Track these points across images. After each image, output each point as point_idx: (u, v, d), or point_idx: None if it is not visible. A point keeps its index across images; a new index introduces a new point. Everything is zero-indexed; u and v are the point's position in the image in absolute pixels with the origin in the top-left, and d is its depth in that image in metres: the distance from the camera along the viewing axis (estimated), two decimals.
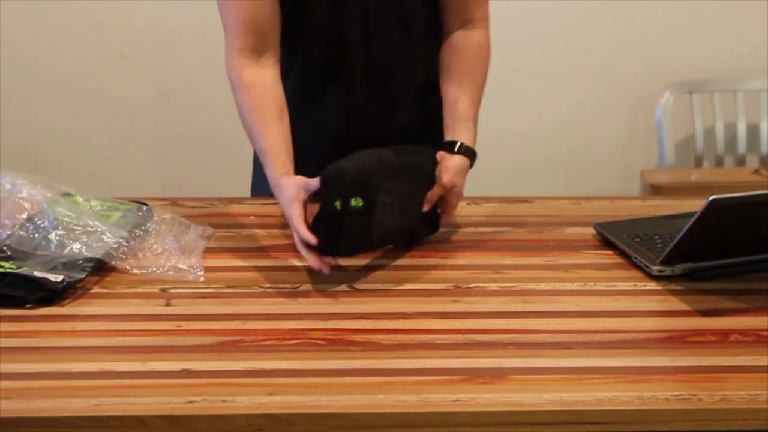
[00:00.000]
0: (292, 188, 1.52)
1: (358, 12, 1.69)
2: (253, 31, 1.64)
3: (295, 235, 1.50)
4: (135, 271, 1.50)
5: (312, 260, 1.48)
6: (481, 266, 1.56)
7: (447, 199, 1.64)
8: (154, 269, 1.51)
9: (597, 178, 3.12)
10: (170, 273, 1.50)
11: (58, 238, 1.52)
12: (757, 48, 2.99)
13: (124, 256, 1.53)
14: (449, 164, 1.63)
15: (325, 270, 1.48)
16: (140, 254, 1.55)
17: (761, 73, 2.98)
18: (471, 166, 1.67)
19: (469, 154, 1.66)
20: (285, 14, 1.68)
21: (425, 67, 1.80)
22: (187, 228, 1.62)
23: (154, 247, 1.56)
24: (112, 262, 1.51)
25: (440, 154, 1.64)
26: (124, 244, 1.54)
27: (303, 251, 1.49)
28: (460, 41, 1.75)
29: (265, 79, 1.65)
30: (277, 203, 1.80)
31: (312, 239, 1.46)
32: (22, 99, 3.03)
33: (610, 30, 3.02)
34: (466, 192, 1.93)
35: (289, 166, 1.58)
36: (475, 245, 1.64)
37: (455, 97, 1.71)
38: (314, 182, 1.50)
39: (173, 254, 1.54)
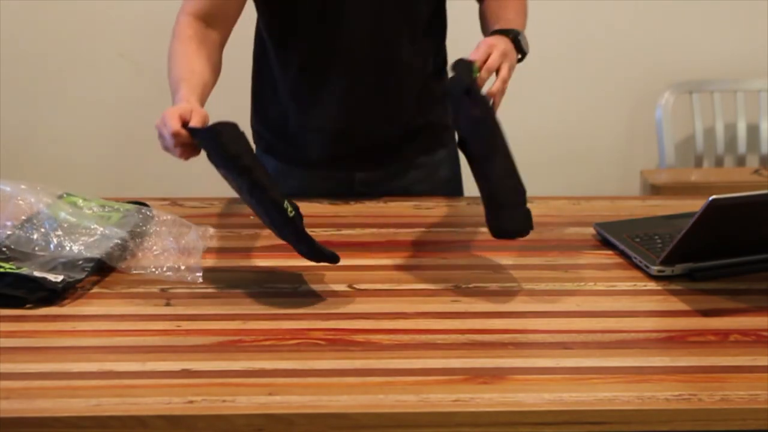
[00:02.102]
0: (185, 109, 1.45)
1: (363, 5, 1.69)
2: (209, 7, 1.66)
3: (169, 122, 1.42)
4: (134, 271, 1.50)
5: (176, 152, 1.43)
6: (481, 266, 1.56)
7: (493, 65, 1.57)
8: (153, 270, 1.50)
9: (597, 178, 3.12)
10: (168, 273, 1.50)
11: (57, 238, 1.52)
12: (757, 48, 2.99)
13: (123, 257, 1.53)
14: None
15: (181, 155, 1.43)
16: (140, 255, 1.55)
17: (761, 73, 2.98)
18: (519, 51, 1.64)
19: (508, 33, 1.63)
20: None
21: (427, 64, 1.80)
22: (188, 229, 1.61)
23: (154, 248, 1.56)
24: (112, 263, 1.51)
25: None
26: (124, 244, 1.54)
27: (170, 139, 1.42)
28: None
29: (205, 39, 1.64)
30: None
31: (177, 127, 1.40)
32: (22, 99, 3.03)
33: (610, 30, 3.02)
34: (467, 192, 1.94)
35: (198, 98, 1.52)
36: (475, 245, 1.64)
37: (495, 18, 1.71)
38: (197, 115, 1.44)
39: (172, 255, 1.54)
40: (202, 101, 1.53)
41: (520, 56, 1.65)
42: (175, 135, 1.40)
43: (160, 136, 1.43)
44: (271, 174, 1.88)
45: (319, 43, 1.73)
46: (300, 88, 1.76)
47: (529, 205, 1.82)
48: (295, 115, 1.79)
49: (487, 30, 1.72)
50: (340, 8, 1.69)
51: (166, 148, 1.44)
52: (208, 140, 1.42)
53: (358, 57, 1.73)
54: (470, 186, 1.95)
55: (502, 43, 1.58)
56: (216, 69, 1.63)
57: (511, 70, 1.58)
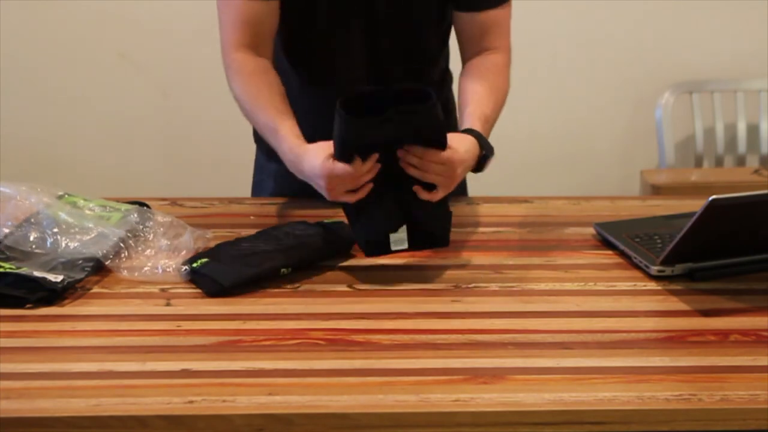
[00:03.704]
0: (320, 150, 1.50)
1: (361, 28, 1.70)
2: (250, 30, 1.66)
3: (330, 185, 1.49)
4: (125, 273, 1.49)
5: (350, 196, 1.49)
6: (481, 266, 1.56)
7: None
8: (145, 270, 1.49)
9: (597, 178, 3.12)
10: (160, 275, 1.49)
11: (57, 238, 1.52)
12: (757, 48, 2.99)
13: (120, 257, 1.52)
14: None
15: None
16: (134, 255, 1.54)
17: (761, 73, 2.98)
18: (483, 153, 1.57)
19: (475, 135, 1.58)
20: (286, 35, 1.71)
21: (431, 74, 1.80)
22: (184, 230, 1.61)
23: (150, 249, 1.56)
24: (108, 263, 1.51)
25: None
26: (121, 245, 1.54)
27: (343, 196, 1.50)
28: (476, 62, 1.73)
29: (266, 69, 1.67)
30: (276, 203, 1.81)
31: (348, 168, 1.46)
32: (22, 99, 3.03)
33: (610, 30, 3.02)
34: (471, 192, 1.93)
35: (302, 138, 1.58)
36: (475, 245, 1.64)
37: (466, 102, 1.67)
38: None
39: (169, 256, 1.54)
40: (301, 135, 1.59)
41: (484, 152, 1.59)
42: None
43: (332, 186, 1.49)
44: (273, 177, 1.88)
45: (323, 58, 1.74)
46: (301, 97, 1.76)
47: (529, 205, 1.82)
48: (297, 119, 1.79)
49: (462, 105, 1.68)
50: (344, 28, 1.70)
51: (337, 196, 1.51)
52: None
53: (359, 70, 1.74)
54: (474, 186, 1.96)
55: (470, 158, 1.54)
56: (286, 96, 1.67)
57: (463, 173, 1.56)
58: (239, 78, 1.66)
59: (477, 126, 1.60)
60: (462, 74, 1.75)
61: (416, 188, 1.51)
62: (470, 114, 1.63)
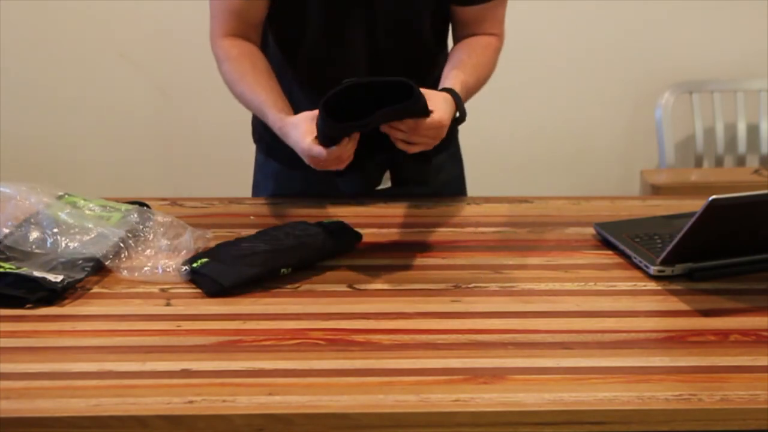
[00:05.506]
0: (303, 131, 1.52)
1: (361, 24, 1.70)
2: (236, 19, 1.70)
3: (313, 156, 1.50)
4: (125, 273, 1.49)
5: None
6: (481, 266, 1.56)
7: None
8: (147, 270, 1.49)
9: (597, 178, 3.12)
10: (160, 275, 1.49)
11: (57, 238, 1.52)
12: (757, 48, 2.99)
13: (120, 257, 1.52)
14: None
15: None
16: (134, 255, 1.54)
17: (761, 73, 2.98)
18: (458, 111, 1.59)
19: (453, 95, 1.59)
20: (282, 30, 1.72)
21: (428, 74, 1.80)
22: (184, 230, 1.61)
23: (150, 249, 1.56)
24: (108, 263, 1.51)
25: None
26: (122, 245, 1.54)
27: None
28: (468, 40, 1.77)
29: (252, 51, 1.71)
30: (276, 203, 1.81)
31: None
32: (22, 99, 3.03)
33: (610, 30, 3.02)
34: (471, 192, 1.94)
35: (288, 111, 1.61)
36: (475, 245, 1.64)
37: (450, 67, 1.70)
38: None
39: (169, 256, 1.54)
40: (287, 107, 1.63)
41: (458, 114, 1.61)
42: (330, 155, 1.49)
43: (317, 164, 1.52)
44: (273, 177, 1.88)
45: (321, 55, 1.74)
46: (300, 94, 1.77)
47: (529, 205, 1.83)
48: None
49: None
50: (342, 25, 1.70)
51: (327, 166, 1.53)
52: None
53: (359, 71, 1.74)
54: (474, 186, 1.96)
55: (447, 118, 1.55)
56: (272, 73, 1.71)
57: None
58: (226, 63, 1.70)
59: (457, 88, 1.62)
60: (451, 49, 1.78)
61: (401, 146, 1.52)
62: (454, 77, 1.66)
